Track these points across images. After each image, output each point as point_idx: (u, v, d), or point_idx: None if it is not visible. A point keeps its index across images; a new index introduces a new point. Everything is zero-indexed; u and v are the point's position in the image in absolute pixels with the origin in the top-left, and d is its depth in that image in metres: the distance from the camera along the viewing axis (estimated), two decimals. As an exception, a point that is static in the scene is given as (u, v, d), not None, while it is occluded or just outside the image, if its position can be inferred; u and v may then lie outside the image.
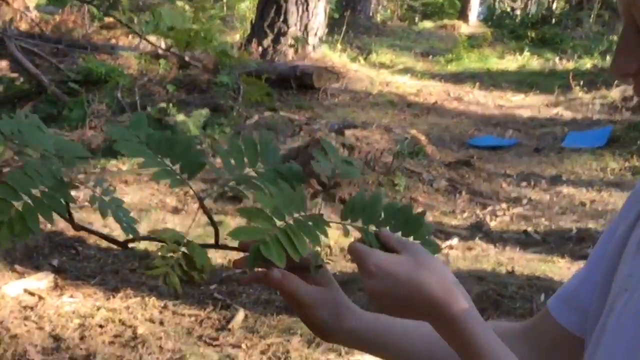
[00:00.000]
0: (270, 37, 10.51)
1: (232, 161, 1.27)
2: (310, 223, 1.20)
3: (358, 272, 1.16)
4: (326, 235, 1.22)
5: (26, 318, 4.14)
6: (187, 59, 9.88)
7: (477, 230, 5.49)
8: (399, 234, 1.21)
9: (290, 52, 10.47)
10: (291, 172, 1.30)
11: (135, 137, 1.22)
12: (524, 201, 6.16)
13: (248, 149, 1.28)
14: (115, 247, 5.05)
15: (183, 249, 1.20)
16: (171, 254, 1.18)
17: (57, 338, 3.99)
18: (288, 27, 10.56)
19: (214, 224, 1.32)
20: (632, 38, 1.02)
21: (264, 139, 1.31)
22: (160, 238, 1.22)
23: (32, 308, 4.22)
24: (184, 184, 1.21)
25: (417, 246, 1.16)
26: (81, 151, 1.32)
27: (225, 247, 1.35)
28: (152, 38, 11.43)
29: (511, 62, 13.18)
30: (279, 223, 1.17)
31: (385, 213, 1.22)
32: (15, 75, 9.26)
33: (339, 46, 11.87)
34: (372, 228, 1.22)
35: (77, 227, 1.36)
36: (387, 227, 1.21)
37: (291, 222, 1.18)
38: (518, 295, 4.32)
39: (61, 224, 5.17)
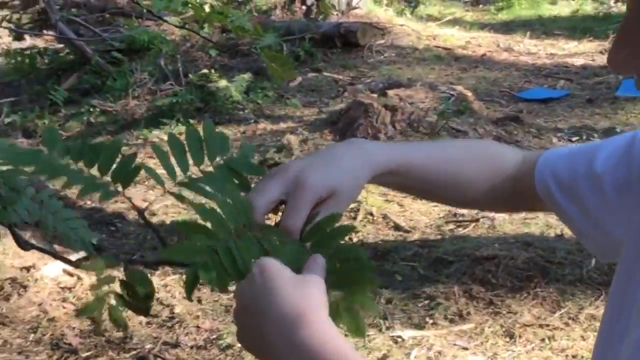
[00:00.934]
0: (314, -6, 10.31)
1: (174, 162, 1.13)
2: (261, 237, 1.06)
3: None
4: (277, 245, 1.07)
5: (64, 300, 4.11)
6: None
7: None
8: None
9: (335, 10, 10.25)
10: (244, 165, 1.16)
11: (50, 156, 1.10)
12: (575, 157, 5.92)
13: (192, 145, 1.14)
14: (154, 222, 4.97)
15: (120, 276, 1.08)
16: (106, 287, 1.06)
17: (94, 320, 3.96)
18: (332, -16, 10.34)
19: (160, 239, 1.19)
20: (636, 29, 0.86)
21: (207, 129, 1.16)
22: (87, 269, 1.09)
23: (70, 289, 4.19)
24: (118, 195, 1.09)
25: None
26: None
27: (173, 263, 1.21)
28: None
29: (564, 7, 12.78)
30: (222, 238, 1.03)
31: (336, 252, 1.05)
32: (60, 46, 9.24)
33: (384, 0, 11.63)
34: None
35: (26, 245, 1.27)
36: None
37: (237, 237, 1.04)
38: (567, 261, 4.15)
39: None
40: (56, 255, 1.24)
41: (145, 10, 2.56)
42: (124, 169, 1.11)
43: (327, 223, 1.08)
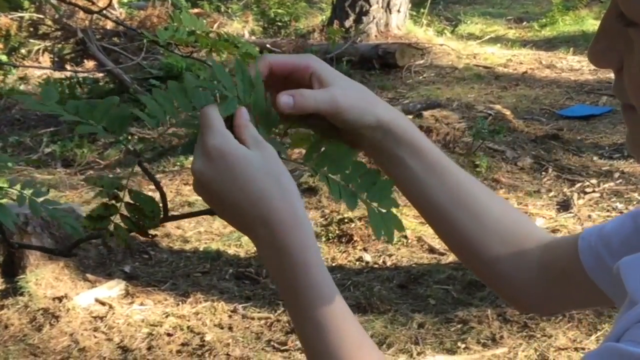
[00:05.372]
0: (352, 17, 10.29)
1: (160, 107, 1.16)
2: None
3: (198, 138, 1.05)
4: None
5: (96, 329, 4.11)
6: (268, 45, 9.78)
7: (564, 210, 5.20)
8: (364, 195, 1.12)
9: (373, 31, 10.23)
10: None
11: (52, 104, 1.17)
12: (616, 175, 5.80)
13: (177, 93, 1.17)
14: (187, 249, 4.95)
15: (125, 198, 1.15)
16: (113, 202, 1.12)
17: (125, 349, 3.95)
18: (370, 6, 10.33)
19: (158, 188, 1.24)
20: (612, 24, 0.84)
21: (189, 82, 1.19)
22: (96, 184, 1.15)
23: (102, 318, 4.20)
24: (109, 136, 1.18)
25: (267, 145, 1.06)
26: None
27: (176, 217, 1.26)
28: (237, 25, 11.43)
29: (608, 22, 12.56)
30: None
31: (353, 169, 1.14)
32: (100, 75, 9.34)
33: (424, 20, 11.55)
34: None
35: (12, 244, 1.38)
36: (351, 185, 1.12)
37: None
38: (604, 282, 4.03)
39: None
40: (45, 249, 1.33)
41: (146, 41, 2.54)
42: (116, 117, 1.18)
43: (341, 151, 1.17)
